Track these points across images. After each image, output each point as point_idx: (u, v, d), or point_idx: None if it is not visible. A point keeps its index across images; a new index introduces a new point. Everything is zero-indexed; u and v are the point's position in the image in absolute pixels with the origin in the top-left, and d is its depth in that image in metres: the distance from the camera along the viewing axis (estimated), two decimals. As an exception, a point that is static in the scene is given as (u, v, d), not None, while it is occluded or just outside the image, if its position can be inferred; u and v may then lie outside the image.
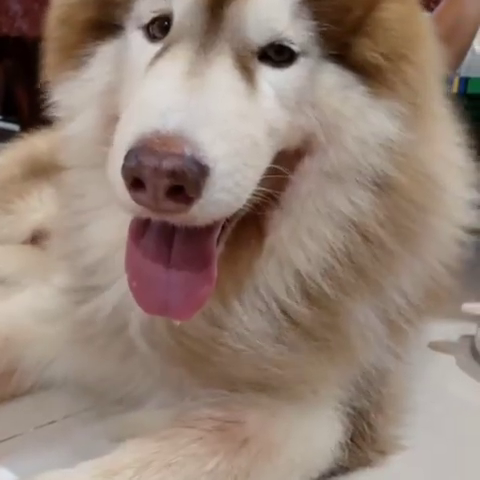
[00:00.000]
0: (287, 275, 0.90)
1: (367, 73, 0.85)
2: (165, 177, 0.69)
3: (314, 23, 0.83)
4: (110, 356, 1.01)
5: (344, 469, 0.99)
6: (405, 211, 0.90)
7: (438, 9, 2.16)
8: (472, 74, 2.54)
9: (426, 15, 0.94)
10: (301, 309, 0.90)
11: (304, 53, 0.83)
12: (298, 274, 0.90)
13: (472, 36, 2.22)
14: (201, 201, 0.72)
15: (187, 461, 0.83)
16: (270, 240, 0.90)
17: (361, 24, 0.84)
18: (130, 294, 0.82)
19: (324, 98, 0.85)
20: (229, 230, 0.86)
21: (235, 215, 0.82)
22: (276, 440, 0.91)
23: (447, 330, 1.61)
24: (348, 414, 0.99)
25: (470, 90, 2.53)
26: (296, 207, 0.89)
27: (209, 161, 0.71)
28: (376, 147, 0.86)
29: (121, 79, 0.88)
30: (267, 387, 0.94)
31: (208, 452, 0.85)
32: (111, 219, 0.94)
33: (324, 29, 0.83)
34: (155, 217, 0.76)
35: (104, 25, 0.90)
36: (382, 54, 0.84)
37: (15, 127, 3.67)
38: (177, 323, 0.85)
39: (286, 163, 0.86)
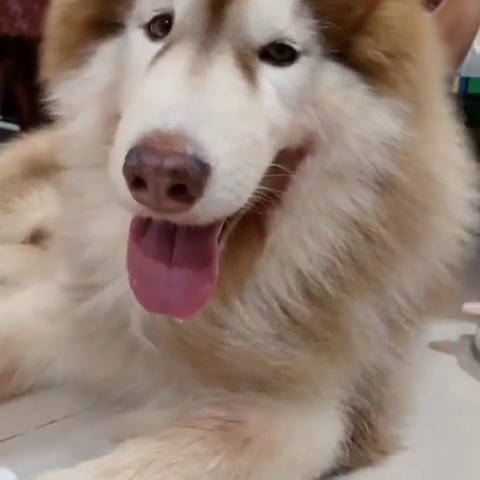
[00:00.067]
0: (288, 274, 0.90)
1: (369, 71, 0.85)
2: (167, 176, 0.68)
3: (315, 22, 0.82)
4: (111, 355, 1.01)
5: (345, 469, 0.99)
6: (407, 210, 0.90)
7: (438, 9, 2.16)
8: (472, 74, 2.55)
9: (428, 14, 0.93)
10: (302, 308, 0.90)
11: (305, 52, 0.83)
12: (299, 273, 0.90)
13: (472, 36, 2.21)
14: (203, 200, 0.72)
15: (188, 461, 0.83)
16: (271, 239, 0.90)
17: (363, 23, 0.84)
18: (130, 292, 0.82)
19: (326, 97, 0.85)
20: (230, 229, 0.86)
21: (236, 214, 0.82)
22: (278, 440, 0.91)
23: (448, 330, 1.61)
24: (349, 414, 0.98)
25: (470, 90, 2.53)
26: (297, 206, 0.89)
27: (211, 160, 0.71)
28: (378, 146, 0.86)
29: (122, 78, 0.88)
30: (269, 387, 0.94)
31: (209, 452, 0.85)
32: (111, 217, 0.94)
33: (325, 28, 0.83)
34: (156, 216, 0.76)
35: (105, 23, 0.90)
36: (384, 52, 0.84)
37: (15, 127, 3.67)
38: (179, 321, 0.85)
39: (287, 162, 0.86)
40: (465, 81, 2.56)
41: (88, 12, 0.91)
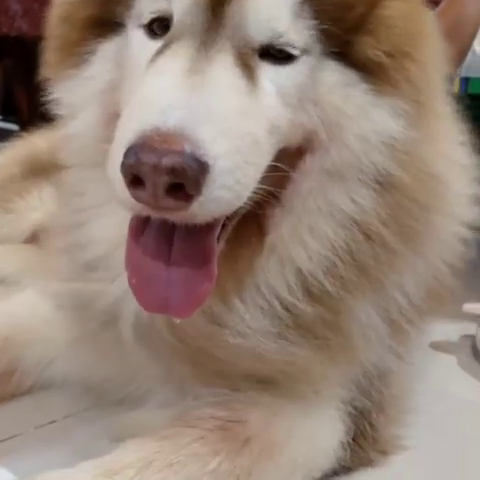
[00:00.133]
0: (288, 273, 0.90)
1: (369, 71, 0.84)
2: (165, 174, 0.68)
3: (315, 21, 0.82)
4: (111, 355, 1.01)
5: (346, 469, 0.98)
6: (408, 210, 0.90)
7: (438, 9, 2.16)
8: (472, 74, 2.55)
9: (430, 13, 0.93)
10: (303, 307, 0.90)
11: (305, 51, 0.83)
12: (299, 272, 0.89)
13: (472, 36, 2.21)
14: (201, 199, 0.71)
15: (189, 461, 0.83)
16: (271, 238, 0.90)
17: (363, 22, 0.84)
18: (130, 291, 0.82)
19: (326, 96, 0.84)
20: (230, 228, 0.86)
21: (236, 213, 0.82)
22: (278, 439, 0.91)
23: (448, 330, 1.61)
24: (350, 414, 0.98)
25: (471, 90, 2.53)
26: (297, 205, 0.89)
27: (209, 158, 0.71)
28: (378, 145, 0.86)
29: (122, 76, 0.88)
30: (269, 386, 0.94)
31: (210, 452, 0.85)
32: (111, 217, 0.94)
33: (325, 27, 0.82)
34: (155, 215, 0.76)
35: (105, 23, 0.90)
36: (385, 52, 0.84)
37: (14, 127, 3.66)
38: (177, 321, 0.85)
39: (287, 161, 0.86)
40: (465, 81, 2.56)
41: (88, 11, 0.91)
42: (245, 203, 0.79)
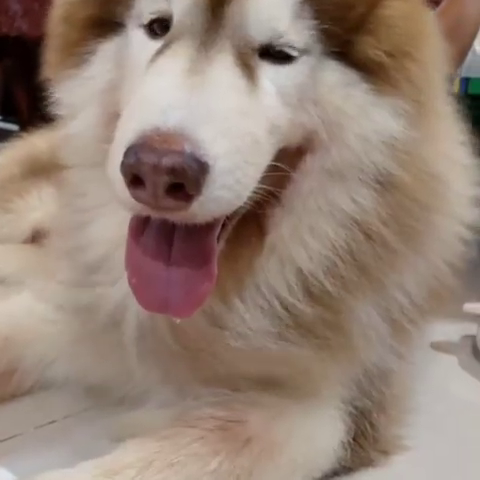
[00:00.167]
0: (288, 273, 0.89)
1: (370, 71, 0.84)
2: (164, 174, 0.68)
3: (316, 21, 0.82)
4: (111, 355, 1.01)
5: (346, 469, 0.99)
6: (408, 209, 0.90)
7: (438, 9, 2.16)
8: (473, 75, 2.54)
9: (431, 13, 0.93)
10: (303, 307, 0.90)
11: (306, 51, 0.83)
12: (300, 272, 0.89)
13: (473, 37, 2.21)
14: (201, 198, 0.71)
15: (189, 461, 0.83)
16: (271, 238, 0.90)
17: (364, 22, 0.83)
18: (131, 294, 0.81)
19: (326, 95, 0.84)
20: (230, 228, 0.86)
21: (236, 213, 0.82)
22: (279, 439, 0.91)
23: (448, 330, 1.61)
24: (350, 414, 0.98)
25: (471, 91, 2.53)
26: (297, 205, 0.89)
27: (209, 158, 0.70)
28: (379, 145, 0.85)
29: (122, 76, 0.88)
30: (269, 386, 0.94)
31: (210, 452, 0.85)
32: (112, 217, 0.94)
33: (326, 27, 0.82)
34: (155, 215, 0.76)
35: (105, 23, 0.90)
36: (385, 52, 0.83)
37: (14, 127, 3.66)
38: (177, 321, 0.85)
39: (287, 161, 0.85)
40: (465, 81, 2.56)
41: (88, 11, 0.91)
42: (245, 203, 0.79)
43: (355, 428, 0.98)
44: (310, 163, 0.87)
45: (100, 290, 0.97)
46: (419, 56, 0.86)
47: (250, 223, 0.88)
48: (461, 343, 1.63)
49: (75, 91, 0.94)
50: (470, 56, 2.36)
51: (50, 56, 0.97)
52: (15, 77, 3.37)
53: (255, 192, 0.80)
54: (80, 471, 0.81)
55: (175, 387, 0.97)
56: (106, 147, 0.79)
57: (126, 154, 0.70)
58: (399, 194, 0.89)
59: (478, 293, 1.67)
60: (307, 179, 0.88)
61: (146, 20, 0.85)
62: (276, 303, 0.90)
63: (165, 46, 0.81)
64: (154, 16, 0.84)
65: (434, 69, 0.90)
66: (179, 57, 0.77)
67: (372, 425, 1.00)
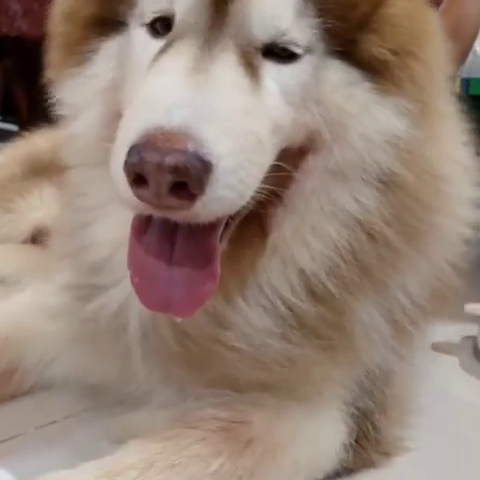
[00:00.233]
0: (291, 273, 0.89)
1: (373, 70, 0.84)
2: (168, 173, 0.68)
3: (319, 20, 0.82)
4: (112, 355, 1.01)
5: (348, 470, 0.98)
6: (411, 209, 0.90)
7: (438, 10, 2.16)
8: (473, 75, 2.55)
9: (434, 12, 0.93)
10: (305, 307, 0.89)
11: (309, 50, 0.83)
12: (302, 272, 0.89)
13: (473, 37, 2.21)
14: (204, 198, 0.71)
15: (191, 462, 0.83)
16: (274, 238, 0.90)
17: (367, 20, 0.83)
18: (134, 295, 0.81)
19: (329, 95, 0.84)
20: (232, 228, 0.86)
21: (239, 213, 0.82)
22: (281, 441, 0.90)
23: (449, 331, 1.61)
24: (352, 415, 0.98)
25: (471, 91, 2.53)
26: (300, 205, 0.88)
27: (212, 157, 0.70)
28: (382, 144, 0.85)
29: (125, 75, 0.88)
30: (271, 387, 0.93)
31: (212, 453, 0.84)
32: (115, 217, 0.93)
33: (329, 26, 0.82)
34: (158, 214, 0.75)
35: (107, 21, 0.90)
36: (390, 50, 0.83)
37: (14, 127, 3.66)
38: (178, 320, 0.84)
39: (290, 160, 0.85)
40: (466, 82, 2.56)
41: (91, 10, 0.91)
42: (248, 203, 0.79)
43: (357, 430, 0.98)
44: (313, 163, 0.87)
45: (102, 290, 0.97)
46: (423, 55, 0.86)
47: (252, 223, 0.88)
48: (462, 344, 1.62)
49: (77, 90, 0.93)
50: (470, 57, 2.36)
51: (53, 56, 0.97)
52: (15, 77, 3.37)
53: (258, 192, 0.79)
54: (82, 472, 0.80)
55: (177, 388, 0.97)
56: (108, 146, 0.78)
57: (129, 153, 0.70)
58: (402, 194, 0.88)
59: (479, 294, 1.67)
60: (310, 179, 0.88)
61: (148, 19, 0.85)
62: (279, 303, 0.89)
63: (168, 45, 0.80)
64: (156, 15, 0.84)
65: (437, 69, 0.90)
66: (182, 55, 0.77)
67: (374, 426, 1.00)
